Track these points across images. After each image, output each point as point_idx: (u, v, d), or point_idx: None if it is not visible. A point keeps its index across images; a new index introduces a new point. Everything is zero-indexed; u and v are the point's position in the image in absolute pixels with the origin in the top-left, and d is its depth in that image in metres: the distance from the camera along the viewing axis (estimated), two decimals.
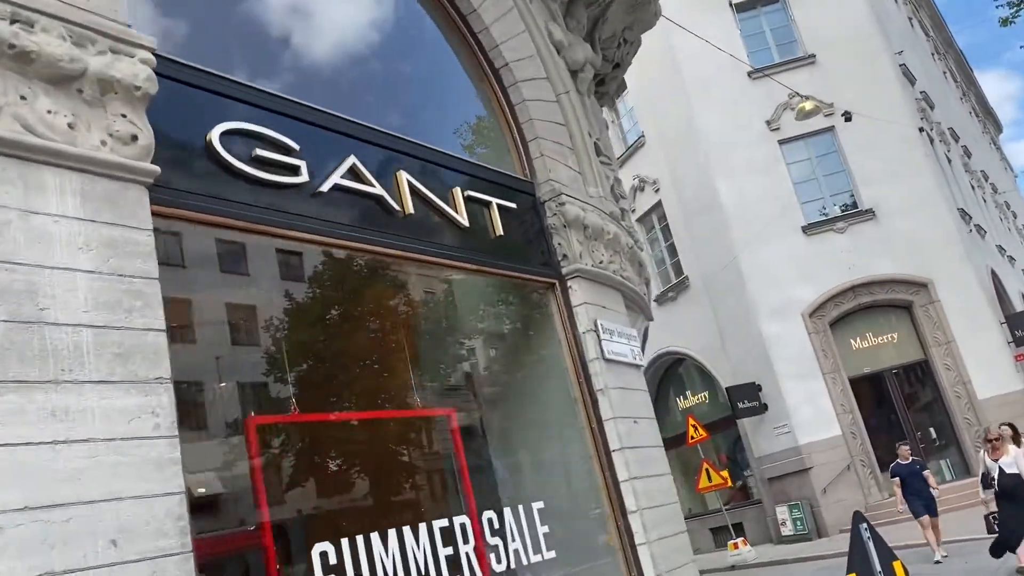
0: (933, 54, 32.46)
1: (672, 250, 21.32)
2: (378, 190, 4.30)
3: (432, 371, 5.33)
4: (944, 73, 33.74)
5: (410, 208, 4.43)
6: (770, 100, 19.34)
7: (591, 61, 6.74)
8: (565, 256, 5.26)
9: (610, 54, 8.32)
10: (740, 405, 18.37)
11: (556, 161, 5.49)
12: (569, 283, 5.25)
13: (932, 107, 23.02)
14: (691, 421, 17.88)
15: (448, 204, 4.73)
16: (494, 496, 4.98)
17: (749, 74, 19.33)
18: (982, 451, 10.07)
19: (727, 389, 18.85)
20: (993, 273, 21.09)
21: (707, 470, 17.32)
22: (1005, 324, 18.12)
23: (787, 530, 17.84)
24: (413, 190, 4.46)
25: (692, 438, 17.75)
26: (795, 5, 19.99)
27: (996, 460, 9.37)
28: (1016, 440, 10.90)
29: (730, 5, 20.16)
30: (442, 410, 5.13)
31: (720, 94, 19.61)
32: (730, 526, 17.98)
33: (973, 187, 25.79)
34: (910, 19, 28.78)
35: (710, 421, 20.41)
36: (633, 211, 21.99)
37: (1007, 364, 17.65)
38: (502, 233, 4.91)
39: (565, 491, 5.47)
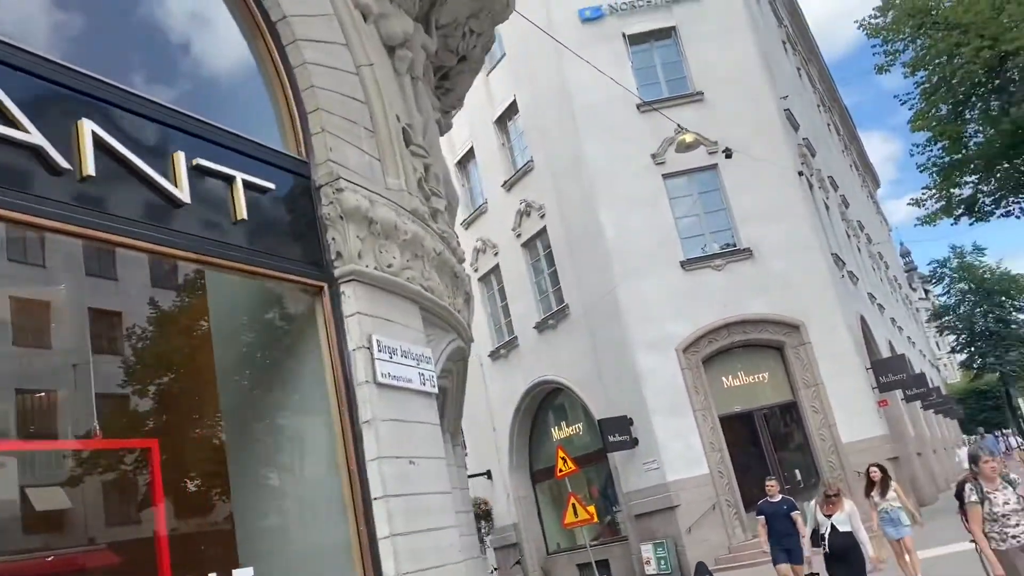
0: (819, 106, 33.65)
1: (555, 277, 20.94)
2: (36, 138, 3.28)
3: (135, 392, 4.41)
4: (828, 125, 35.03)
5: (89, 168, 3.40)
6: (657, 134, 19.28)
7: (425, 45, 6.09)
8: (339, 255, 4.37)
9: (453, 43, 7.66)
10: (611, 438, 18.00)
11: (344, 141, 4.60)
12: (341, 287, 4.33)
13: (813, 154, 23.58)
14: (560, 453, 17.31)
15: (159, 170, 3.68)
16: (197, 560, 3.92)
17: (638, 107, 19.23)
18: (813, 502, 9.29)
19: (599, 421, 18.47)
20: (863, 319, 21.58)
21: (573, 505, 16.77)
22: (870, 370, 18.43)
23: (651, 569, 17.48)
24: (100, 144, 3.42)
25: (561, 471, 17.17)
26: (687, 41, 20.10)
27: (829, 516, 8.59)
28: (885, 482, 10.66)
29: (623, 37, 20.10)
30: (138, 441, 4.11)
31: (609, 124, 19.47)
32: (594, 564, 17.49)
33: (848, 235, 26.56)
34: (799, 69, 29.69)
35: (584, 453, 20.02)
36: (519, 236, 21.60)
37: (870, 409, 17.93)
38: (245, 217, 3.92)
39: (296, 554, 4.48)
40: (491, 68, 22.88)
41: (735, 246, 18.89)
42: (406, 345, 4.60)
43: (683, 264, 18.69)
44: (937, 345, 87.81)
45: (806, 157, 21.86)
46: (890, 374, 18.33)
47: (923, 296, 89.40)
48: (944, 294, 57.61)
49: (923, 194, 16.20)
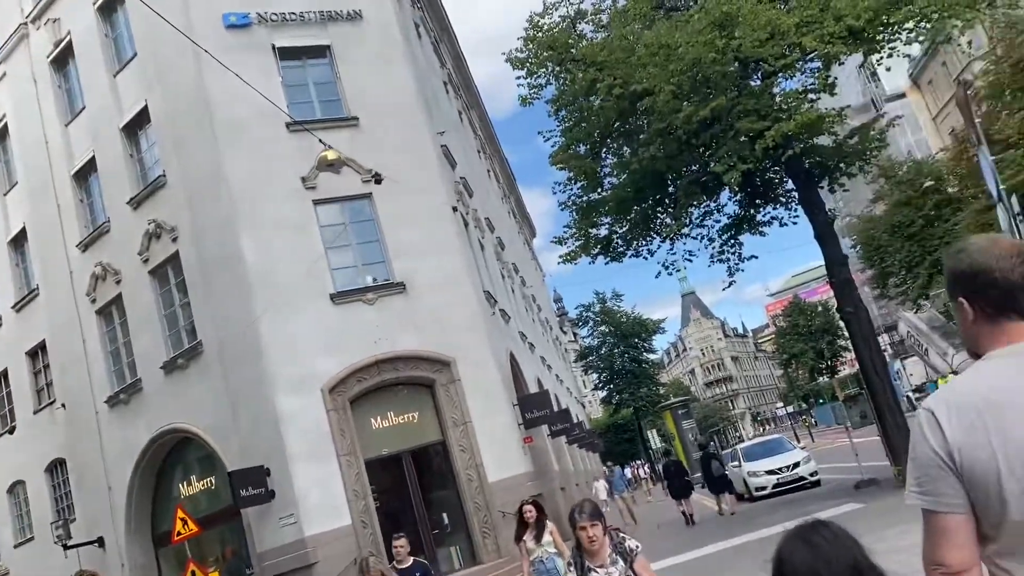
0: (479, 151, 34.60)
1: (188, 310, 18.43)
2: None
3: None
4: (488, 171, 36.21)
5: None
6: (309, 156, 17.73)
7: None
8: None
9: None
10: (243, 492, 15.90)
11: None
12: None
13: (471, 194, 23.70)
14: (180, 513, 14.92)
15: None
16: None
17: (288, 126, 17.69)
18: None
19: (229, 474, 16.31)
20: (512, 356, 21.79)
21: (193, 572, 14.45)
22: (517, 406, 18.43)
23: None
24: None
25: (179, 534, 14.78)
26: (342, 63, 19.03)
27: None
28: (541, 523, 9.21)
29: (273, 49, 18.52)
30: None
31: (255, 142, 17.71)
32: None
33: (503, 275, 27.16)
34: (460, 113, 30.19)
35: (218, 510, 17.74)
36: (147, 262, 18.85)
37: (516, 446, 17.84)
38: None
39: None
40: (120, 68, 20.01)
41: (388, 279, 17.98)
42: None
43: (333, 297, 17.37)
44: (584, 383, 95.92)
45: (462, 195, 21.81)
46: (535, 410, 18.48)
47: (572, 339, 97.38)
48: (588, 336, 62.93)
49: (565, 232, 16.51)
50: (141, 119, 19.46)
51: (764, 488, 19.99)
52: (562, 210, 16.46)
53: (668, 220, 15.95)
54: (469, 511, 17.10)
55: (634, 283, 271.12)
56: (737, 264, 16.53)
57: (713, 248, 16.69)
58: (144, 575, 19.21)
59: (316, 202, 17.94)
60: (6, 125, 23.18)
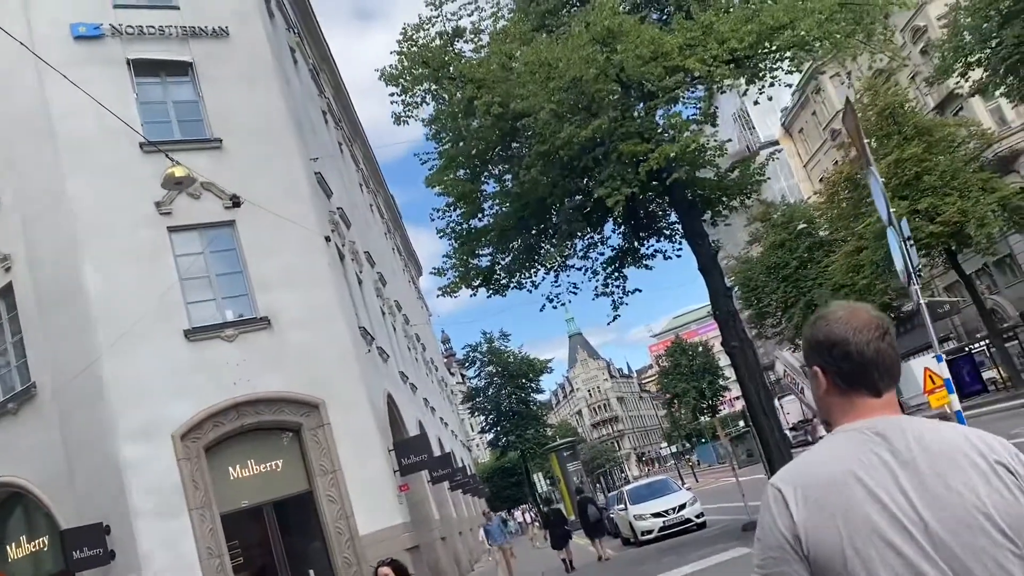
0: (361, 185, 33.46)
1: (20, 348, 16.41)
2: None
3: None
4: (371, 206, 35.04)
5: None
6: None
7: None
8: None
9: None
10: (77, 554, 14.00)
11: None
12: None
13: (348, 225, 22.54)
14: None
15: None
16: None
17: (142, 146, 16.15)
18: None
19: (61, 533, 14.39)
20: (391, 398, 20.57)
21: None
22: (392, 452, 17.20)
23: None
24: None
25: None
26: (205, 81, 17.67)
27: None
28: None
29: (128, 64, 17.00)
30: None
31: (102, 163, 16.08)
32: None
33: (384, 312, 25.95)
34: (340, 144, 29.04)
35: (52, 573, 15.58)
36: None
37: (391, 495, 16.57)
38: None
39: None
40: None
41: (250, 314, 16.55)
42: None
43: (187, 333, 15.79)
44: (471, 426, 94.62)
45: (338, 226, 20.62)
46: (412, 455, 17.28)
47: (460, 380, 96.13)
48: (476, 376, 61.86)
49: (444, 263, 15.58)
50: None
51: (651, 531, 19.38)
52: (441, 238, 15.58)
53: (551, 250, 15.30)
54: (338, 567, 15.68)
55: (523, 324, 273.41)
56: (621, 297, 16.04)
57: (598, 281, 16.16)
58: None
59: (172, 229, 16.40)
60: None
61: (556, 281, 15.80)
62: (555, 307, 15.73)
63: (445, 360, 78.48)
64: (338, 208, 21.48)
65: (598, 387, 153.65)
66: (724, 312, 13.78)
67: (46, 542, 16.24)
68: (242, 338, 16.27)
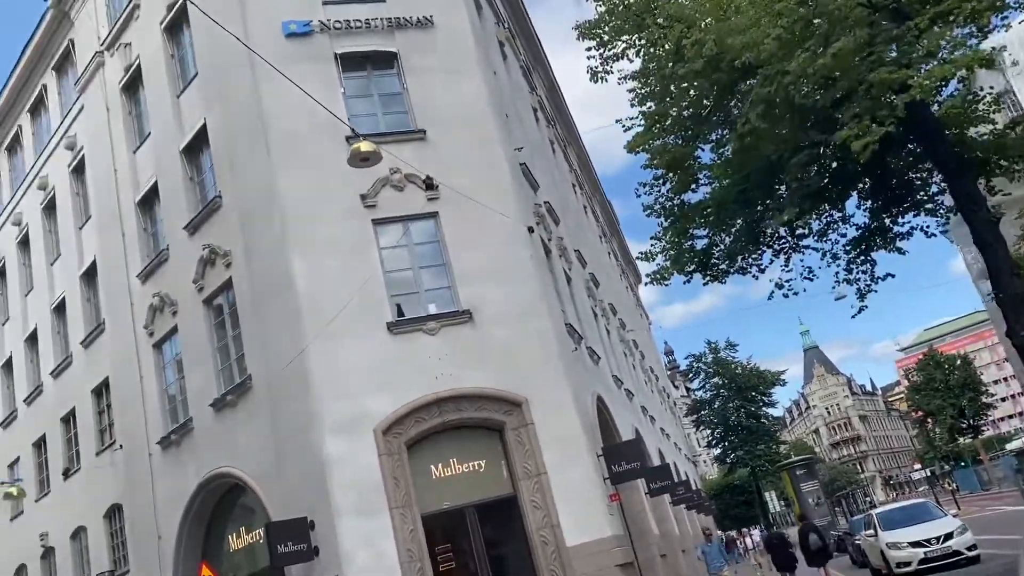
0: (575, 186, 32.49)
1: (239, 342, 16.83)
2: None
3: None
4: (585, 208, 33.98)
5: None
6: (370, 173, 16.06)
7: None
8: None
9: None
10: (281, 548, 13.85)
11: None
12: None
13: (557, 222, 21.52)
14: (205, 571, 12.97)
15: None
16: None
17: (348, 139, 15.98)
18: None
19: (266, 526, 14.33)
20: (601, 401, 19.15)
21: None
22: (601, 457, 15.74)
23: None
24: None
25: None
26: (410, 73, 17.36)
27: None
28: None
29: (336, 59, 17.04)
30: None
31: (311, 157, 16.16)
32: None
33: (596, 314, 24.65)
34: (552, 142, 28.21)
35: (264, 567, 15.66)
36: (201, 290, 17.47)
37: (600, 505, 15.09)
38: None
39: None
40: (183, 88, 19.05)
41: (453, 307, 15.86)
42: None
43: (390, 326, 15.36)
44: (697, 441, 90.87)
45: (544, 219, 19.61)
46: (624, 462, 15.68)
47: (684, 394, 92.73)
48: (700, 388, 58.88)
49: (652, 245, 13.90)
50: (200, 139, 18.33)
51: (908, 563, 16.35)
52: (648, 216, 13.91)
53: (782, 232, 13.15)
54: None
55: (750, 338, 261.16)
56: (869, 285, 13.49)
57: (838, 266, 13.72)
58: None
59: (376, 221, 16.12)
60: (83, 158, 22.73)
61: (786, 265, 13.60)
62: (786, 295, 13.56)
63: (668, 373, 75.84)
64: (545, 202, 20.50)
65: (837, 404, 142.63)
66: (1010, 294, 10.95)
67: (261, 535, 16.44)
68: (444, 331, 15.60)
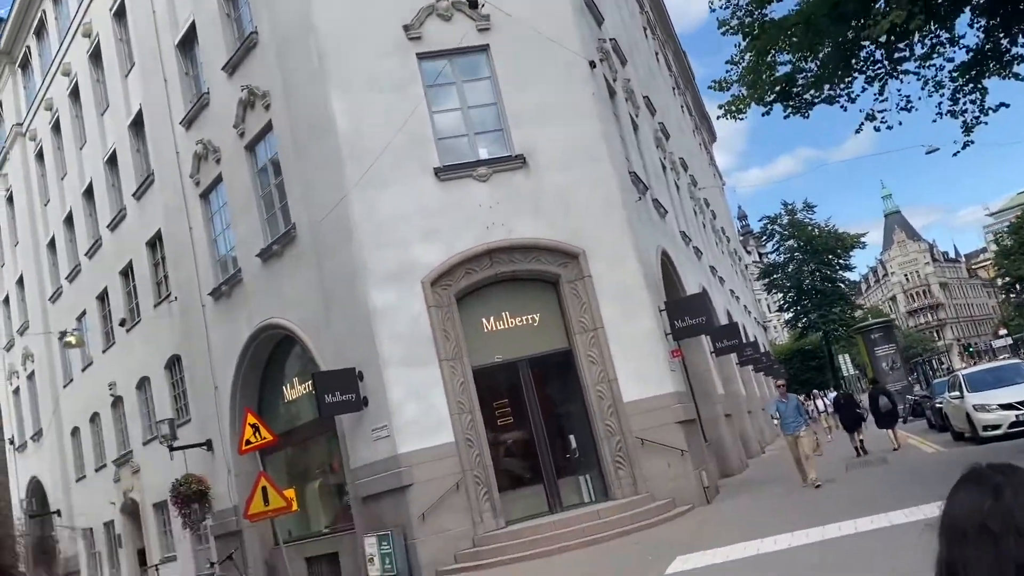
0: (646, 29, 30.08)
1: (282, 190, 16.05)
2: None
3: None
4: (657, 55, 31.59)
5: None
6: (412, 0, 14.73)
7: None
8: None
9: None
10: (328, 398, 13.48)
11: None
12: None
13: (624, 62, 19.71)
14: (250, 418, 12.66)
15: None
16: None
17: None
18: None
19: (313, 376, 13.94)
20: (666, 255, 17.95)
21: (264, 489, 12.22)
22: (663, 312, 14.72)
23: (375, 570, 13.20)
24: None
25: (248, 443, 12.56)
26: None
27: None
28: None
29: None
30: None
31: None
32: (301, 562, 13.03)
33: (664, 166, 23.05)
34: None
35: (316, 418, 15.44)
36: (243, 135, 16.62)
37: (661, 361, 14.20)
38: None
39: None
40: None
41: (505, 152, 14.63)
42: None
43: (437, 172, 14.29)
44: (768, 307, 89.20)
45: (609, 57, 17.87)
46: (687, 317, 14.67)
47: (756, 260, 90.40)
48: (774, 251, 56.82)
49: (728, 72, 12.22)
50: None
51: (997, 427, 15.15)
52: (723, 34, 12.15)
53: (877, 56, 11.36)
54: (599, 435, 13.83)
55: (828, 204, 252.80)
56: (977, 117, 11.69)
57: (942, 96, 11.89)
58: (249, 483, 17.55)
59: (421, 56, 14.77)
60: (123, 3, 21.63)
61: (880, 94, 11.80)
62: (877, 128, 11.83)
63: (740, 238, 73.57)
64: (611, 39, 18.68)
65: (917, 272, 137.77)
66: None
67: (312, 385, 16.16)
68: (496, 178, 14.47)
